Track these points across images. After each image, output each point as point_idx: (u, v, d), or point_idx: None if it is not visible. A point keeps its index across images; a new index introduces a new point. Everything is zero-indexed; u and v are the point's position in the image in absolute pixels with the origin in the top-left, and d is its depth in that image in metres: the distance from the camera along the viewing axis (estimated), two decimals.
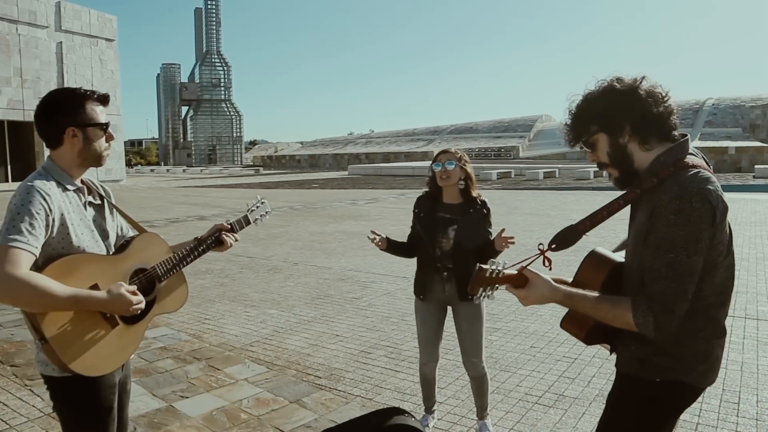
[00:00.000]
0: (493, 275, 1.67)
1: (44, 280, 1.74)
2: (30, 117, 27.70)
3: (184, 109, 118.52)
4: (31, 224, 1.77)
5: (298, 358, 4.65)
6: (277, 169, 60.63)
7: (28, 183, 1.86)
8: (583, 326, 1.84)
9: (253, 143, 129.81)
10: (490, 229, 3.14)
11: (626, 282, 1.76)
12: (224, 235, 2.34)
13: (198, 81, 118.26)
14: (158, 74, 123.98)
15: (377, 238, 3.11)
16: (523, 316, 5.67)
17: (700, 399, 3.71)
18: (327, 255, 9.38)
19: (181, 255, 2.20)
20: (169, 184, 36.92)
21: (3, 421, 3.61)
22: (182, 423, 3.54)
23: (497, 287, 1.70)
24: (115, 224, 2.17)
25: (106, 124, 2.03)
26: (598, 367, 4.36)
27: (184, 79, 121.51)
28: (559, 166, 37.23)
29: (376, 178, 36.06)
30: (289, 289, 7.09)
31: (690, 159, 1.66)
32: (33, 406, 3.81)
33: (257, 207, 2.57)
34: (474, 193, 3.14)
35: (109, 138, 2.07)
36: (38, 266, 1.80)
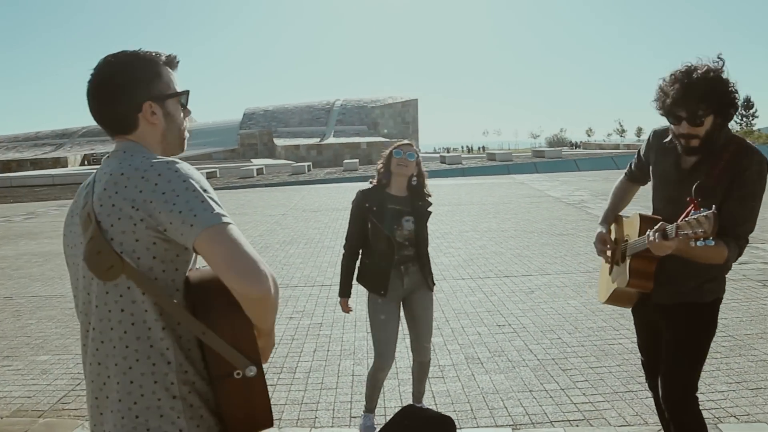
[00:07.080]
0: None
1: None
2: None
3: None
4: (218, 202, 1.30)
5: None
6: None
7: (172, 163, 1.32)
8: (650, 279, 2.23)
9: None
10: (427, 225, 3.21)
11: None
12: None
13: None
14: None
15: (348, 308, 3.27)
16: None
17: None
18: (42, 283, 7.71)
19: None
20: None
21: None
22: None
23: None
24: None
25: (186, 92, 1.51)
26: (460, 344, 4.86)
27: None
28: (218, 166, 36.47)
29: (8, 190, 30.18)
30: (34, 328, 5.67)
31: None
32: None
33: None
34: (426, 190, 3.17)
35: (187, 113, 1.55)
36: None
